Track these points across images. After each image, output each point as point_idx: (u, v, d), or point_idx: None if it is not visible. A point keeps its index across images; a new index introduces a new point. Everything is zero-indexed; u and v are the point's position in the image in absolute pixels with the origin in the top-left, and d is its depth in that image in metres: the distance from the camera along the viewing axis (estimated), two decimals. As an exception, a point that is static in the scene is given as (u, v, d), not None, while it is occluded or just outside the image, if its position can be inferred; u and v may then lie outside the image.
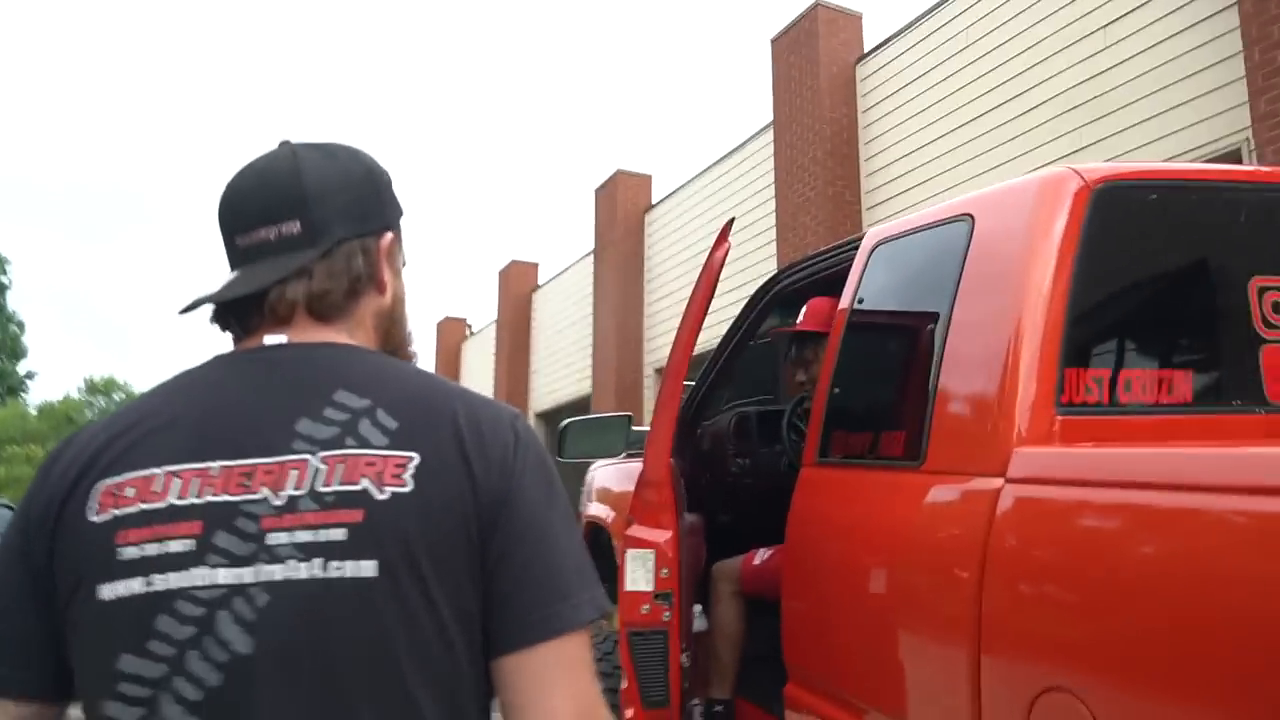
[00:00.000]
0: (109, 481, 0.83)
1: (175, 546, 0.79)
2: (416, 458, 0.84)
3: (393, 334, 1.02)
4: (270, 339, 0.92)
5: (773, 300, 2.91)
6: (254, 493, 0.81)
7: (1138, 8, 6.42)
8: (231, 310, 0.94)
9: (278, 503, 0.81)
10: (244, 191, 0.95)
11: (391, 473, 0.83)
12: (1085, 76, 6.71)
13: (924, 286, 2.03)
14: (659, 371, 12.67)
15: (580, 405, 14.12)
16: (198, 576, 0.79)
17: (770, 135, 10.32)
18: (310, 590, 0.79)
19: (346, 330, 0.96)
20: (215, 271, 0.99)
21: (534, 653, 0.84)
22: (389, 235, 0.99)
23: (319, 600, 0.79)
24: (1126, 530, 1.34)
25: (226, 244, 0.95)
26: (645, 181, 14.01)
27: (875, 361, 2.21)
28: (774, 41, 10.18)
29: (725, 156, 11.55)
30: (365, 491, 0.82)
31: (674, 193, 12.85)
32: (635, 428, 3.58)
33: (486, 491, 0.85)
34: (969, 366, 1.75)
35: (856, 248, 2.37)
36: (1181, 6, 6.15)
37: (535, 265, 17.82)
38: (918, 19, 8.60)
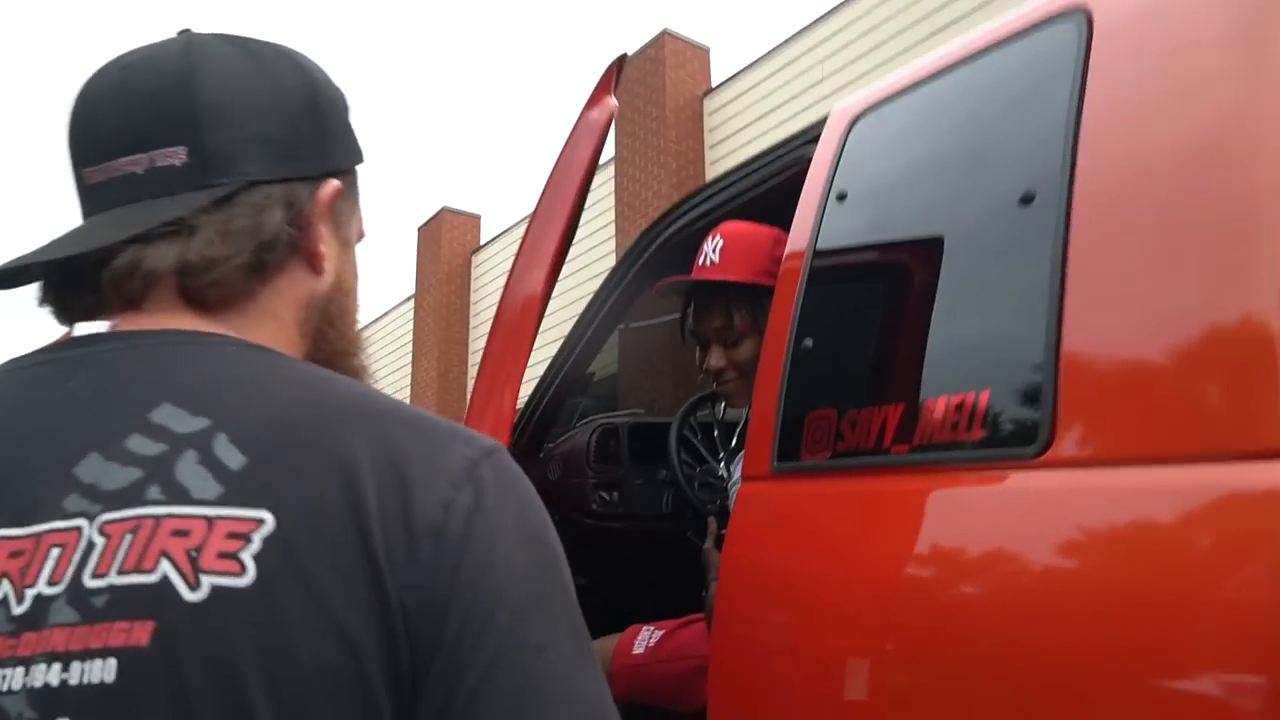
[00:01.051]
0: None
1: None
2: (269, 521, 0.45)
3: (329, 336, 0.62)
4: (84, 328, 0.56)
5: (660, 253, 1.97)
6: None
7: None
8: (60, 281, 0.57)
9: (17, 610, 0.44)
10: (103, 99, 0.57)
11: (217, 548, 0.44)
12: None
13: (976, 155, 1.15)
14: (483, 426, 11.54)
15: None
16: None
17: (611, 170, 9.61)
18: None
19: (243, 326, 0.57)
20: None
21: None
22: (332, 185, 0.61)
23: None
24: None
25: (76, 182, 0.58)
26: (474, 221, 13.03)
27: (887, 291, 1.29)
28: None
29: (561, 194, 10.76)
30: (163, 585, 0.43)
31: (505, 232, 11.89)
32: None
33: (410, 590, 0.45)
34: (1150, 263, 0.86)
35: (808, 141, 1.49)
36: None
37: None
38: (768, 52, 8.22)
